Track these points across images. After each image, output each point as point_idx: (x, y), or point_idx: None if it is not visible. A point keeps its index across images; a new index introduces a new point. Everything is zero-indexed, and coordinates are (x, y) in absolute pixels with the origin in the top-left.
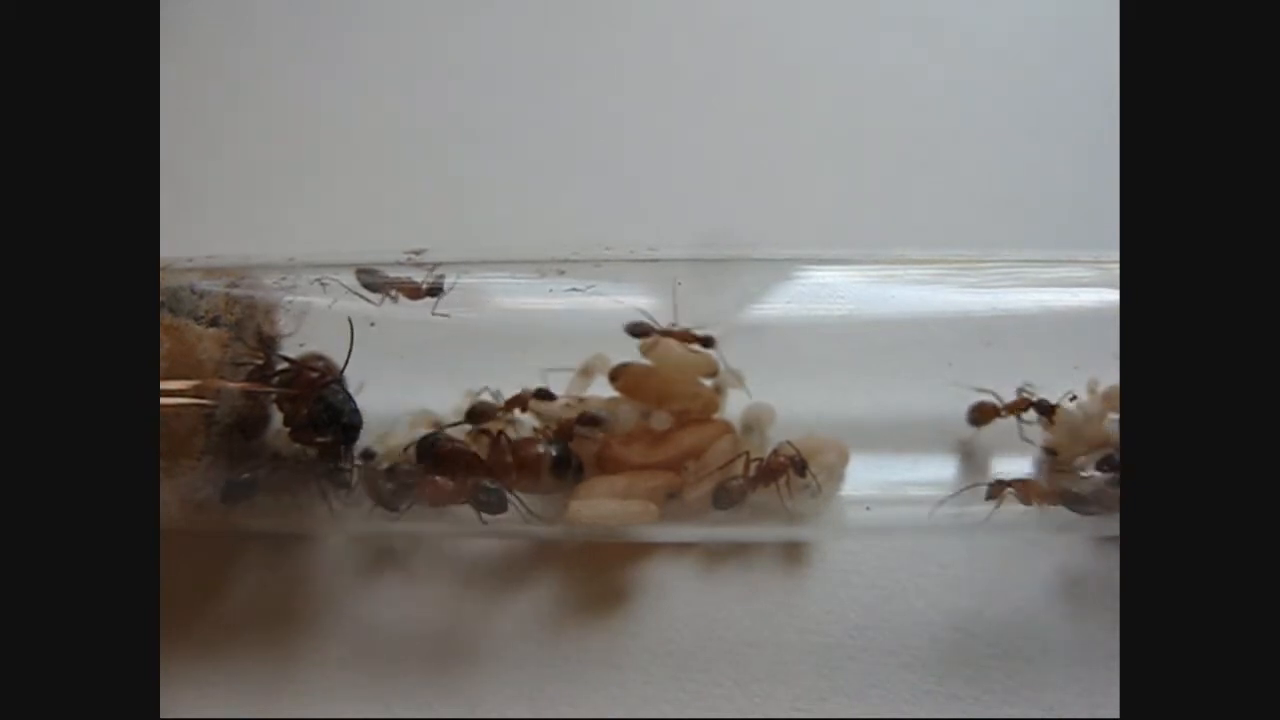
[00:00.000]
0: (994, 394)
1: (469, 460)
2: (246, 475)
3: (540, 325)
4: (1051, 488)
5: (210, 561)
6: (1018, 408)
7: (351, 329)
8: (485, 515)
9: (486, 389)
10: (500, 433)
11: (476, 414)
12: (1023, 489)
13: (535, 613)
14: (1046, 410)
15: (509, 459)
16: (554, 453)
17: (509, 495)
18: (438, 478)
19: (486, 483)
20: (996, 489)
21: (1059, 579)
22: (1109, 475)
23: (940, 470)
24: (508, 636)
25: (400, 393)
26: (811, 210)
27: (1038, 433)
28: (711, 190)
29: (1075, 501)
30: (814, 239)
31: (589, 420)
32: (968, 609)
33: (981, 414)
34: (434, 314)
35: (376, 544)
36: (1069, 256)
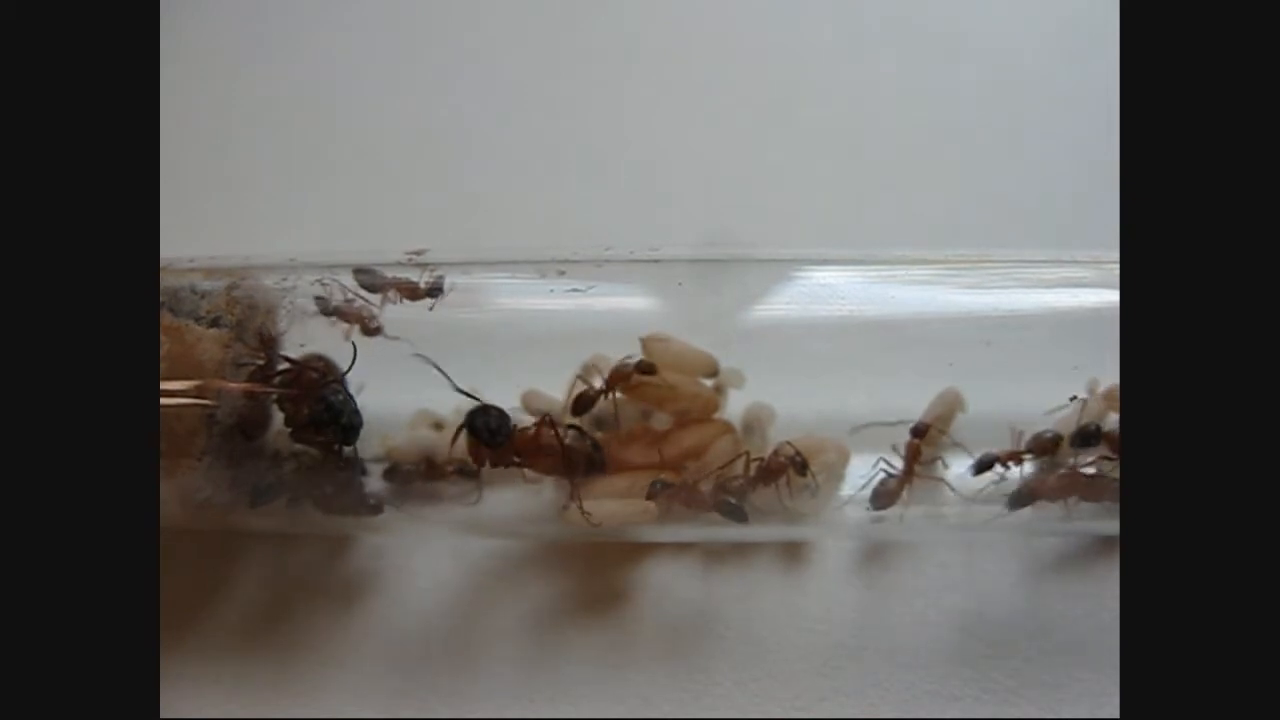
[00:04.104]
0: (885, 460)
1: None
2: (272, 479)
3: (540, 325)
4: (710, 497)
5: (210, 561)
6: (912, 457)
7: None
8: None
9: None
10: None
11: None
12: (684, 495)
13: (535, 613)
14: (920, 432)
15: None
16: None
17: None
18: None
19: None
20: (652, 492)
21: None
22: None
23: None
24: (508, 636)
25: (400, 393)
26: (811, 210)
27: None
28: (711, 190)
29: (730, 511)
30: (814, 239)
31: (646, 369)
32: (968, 609)
33: (886, 496)
34: (431, 307)
35: (377, 544)
36: (1069, 256)
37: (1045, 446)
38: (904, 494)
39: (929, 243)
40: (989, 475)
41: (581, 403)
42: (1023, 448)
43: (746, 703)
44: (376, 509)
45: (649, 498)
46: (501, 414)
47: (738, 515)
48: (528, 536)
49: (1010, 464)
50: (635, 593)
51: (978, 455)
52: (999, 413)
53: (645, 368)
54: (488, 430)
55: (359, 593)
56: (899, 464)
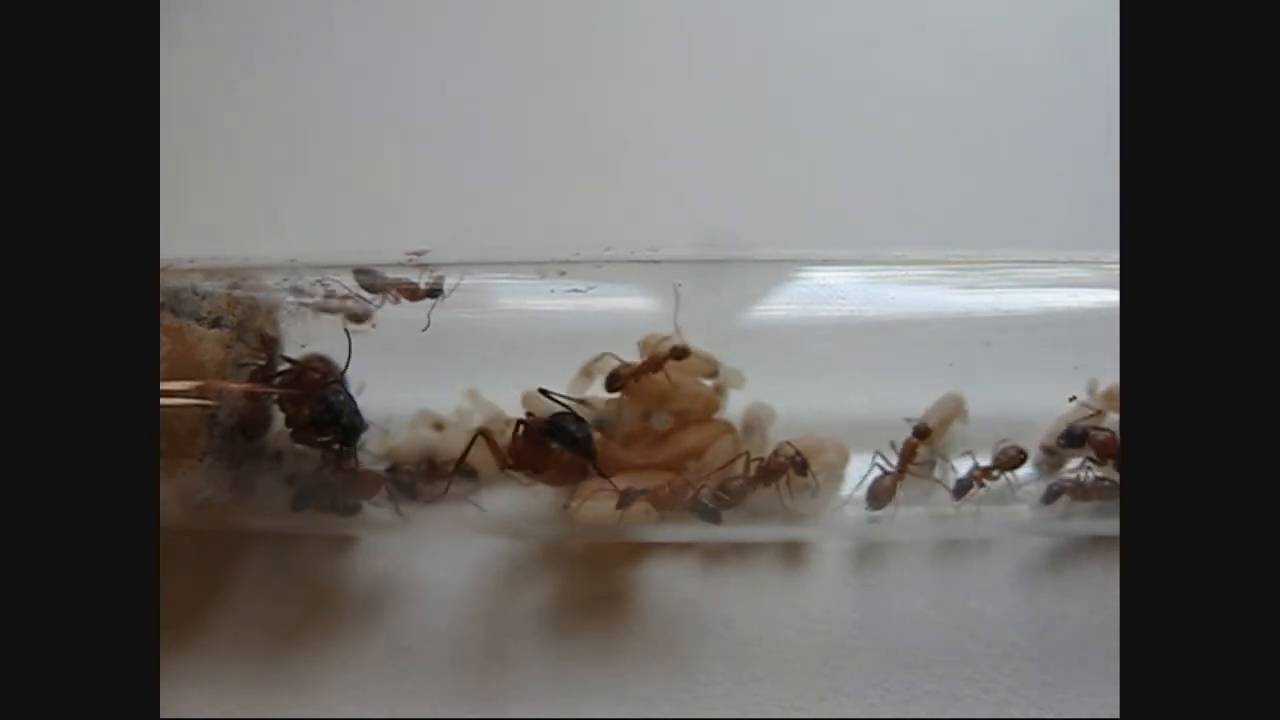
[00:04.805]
0: (881, 455)
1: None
2: (315, 481)
3: (541, 326)
4: (685, 501)
5: (210, 561)
6: (908, 456)
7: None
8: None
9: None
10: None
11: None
12: (653, 498)
13: (535, 612)
14: (923, 434)
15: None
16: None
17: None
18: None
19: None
20: (624, 499)
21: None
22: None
23: (940, 470)
24: (508, 636)
25: (400, 393)
26: (811, 210)
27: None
28: (711, 190)
29: (704, 512)
30: (814, 239)
31: (680, 354)
32: (968, 609)
33: (881, 494)
34: (425, 327)
35: (378, 543)
36: (1069, 256)
37: (1011, 461)
38: (899, 492)
39: (929, 243)
40: (971, 492)
41: (614, 381)
42: (990, 463)
43: (746, 703)
44: (354, 509)
45: (619, 507)
46: (586, 424)
47: (711, 516)
48: (528, 536)
49: (985, 481)
50: (635, 593)
51: (954, 481)
52: (999, 413)
53: (679, 353)
54: (585, 439)
55: (359, 592)
56: (895, 461)
